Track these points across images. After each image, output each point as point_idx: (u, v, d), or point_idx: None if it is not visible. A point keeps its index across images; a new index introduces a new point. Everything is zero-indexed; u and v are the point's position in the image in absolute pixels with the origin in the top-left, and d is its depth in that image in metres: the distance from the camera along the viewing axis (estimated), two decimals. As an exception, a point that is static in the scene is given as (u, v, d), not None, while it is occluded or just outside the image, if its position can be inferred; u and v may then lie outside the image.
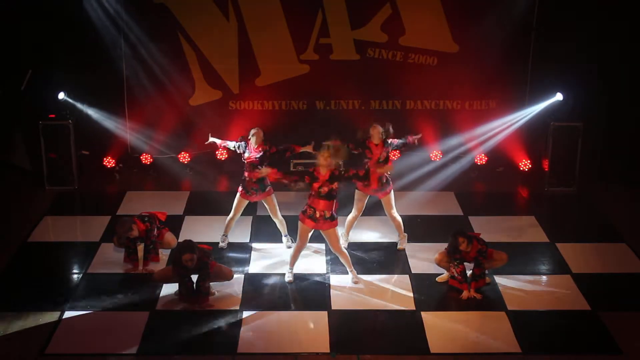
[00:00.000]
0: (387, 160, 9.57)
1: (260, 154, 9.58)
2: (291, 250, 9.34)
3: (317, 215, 8.82)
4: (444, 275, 9.20)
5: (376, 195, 9.73)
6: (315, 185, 8.72)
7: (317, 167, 8.76)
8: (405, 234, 10.05)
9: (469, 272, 8.98)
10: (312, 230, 9.02)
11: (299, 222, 8.97)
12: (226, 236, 10.01)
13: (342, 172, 8.80)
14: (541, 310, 8.67)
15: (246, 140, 9.68)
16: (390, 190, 9.73)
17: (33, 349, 7.93)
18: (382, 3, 11.83)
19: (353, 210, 9.88)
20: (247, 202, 9.84)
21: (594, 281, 9.29)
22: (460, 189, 11.74)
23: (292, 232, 10.04)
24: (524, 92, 12.20)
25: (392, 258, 9.83)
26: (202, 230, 10.35)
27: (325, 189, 8.72)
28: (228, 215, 9.89)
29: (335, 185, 8.73)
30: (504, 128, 12.13)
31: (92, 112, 12.03)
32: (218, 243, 9.89)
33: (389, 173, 9.62)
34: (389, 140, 9.58)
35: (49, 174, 11.78)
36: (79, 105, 11.78)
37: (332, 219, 8.87)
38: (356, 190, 9.75)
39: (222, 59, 12.11)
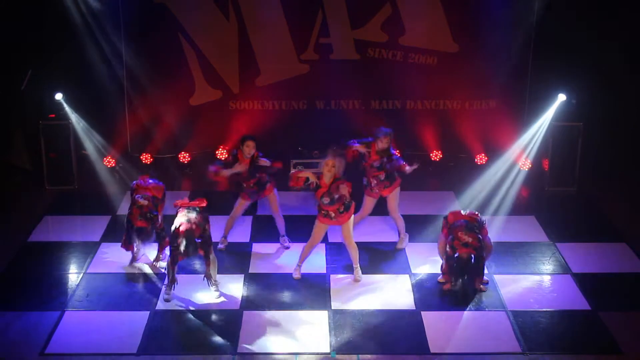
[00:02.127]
0: (381, 168, 9.53)
1: (247, 166, 9.47)
2: (302, 247, 9.30)
3: (332, 214, 8.90)
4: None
5: (382, 194, 9.72)
6: (318, 193, 8.80)
7: (321, 175, 8.84)
8: (406, 234, 10.06)
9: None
10: (328, 227, 9.07)
11: (316, 221, 9.04)
12: (225, 237, 10.00)
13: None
14: (541, 310, 8.67)
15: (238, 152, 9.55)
16: (396, 187, 9.69)
17: (33, 349, 7.94)
18: (382, 3, 11.81)
19: (360, 212, 9.85)
20: (248, 203, 9.81)
21: (594, 281, 9.29)
22: (460, 189, 11.73)
23: (291, 232, 10.06)
24: (524, 92, 12.19)
25: (392, 258, 9.83)
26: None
27: (327, 199, 8.80)
28: (228, 215, 9.88)
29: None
30: (535, 141, 12.06)
31: (91, 112, 12.01)
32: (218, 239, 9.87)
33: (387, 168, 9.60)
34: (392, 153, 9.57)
35: (49, 173, 11.78)
36: (69, 108, 11.70)
37: (347, 208, 8.92)
38: (364, 195, 9.76)
39: (222, 59, 12.09)
